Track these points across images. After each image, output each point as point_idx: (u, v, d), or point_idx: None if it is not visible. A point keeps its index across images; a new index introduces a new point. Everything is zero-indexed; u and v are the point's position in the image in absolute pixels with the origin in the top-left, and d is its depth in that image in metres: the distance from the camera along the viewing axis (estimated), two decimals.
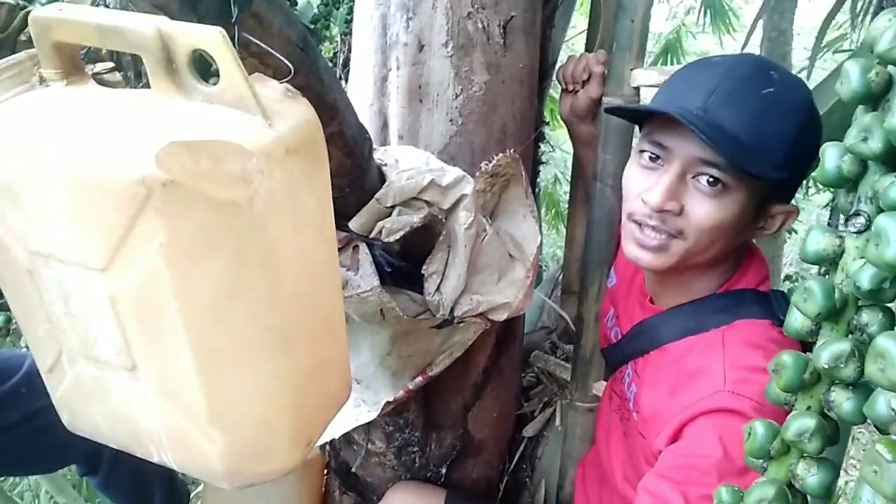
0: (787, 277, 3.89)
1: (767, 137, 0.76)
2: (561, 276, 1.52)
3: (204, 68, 0.47)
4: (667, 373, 0.86)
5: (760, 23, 2.82)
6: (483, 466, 1.15)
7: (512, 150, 0.85)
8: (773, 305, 0.83)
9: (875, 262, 0.37)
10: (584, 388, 1.14)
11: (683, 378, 0.81)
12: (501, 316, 0.87)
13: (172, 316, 0.45)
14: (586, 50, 1.17)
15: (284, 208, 0.45)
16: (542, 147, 1.18)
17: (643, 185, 0.82)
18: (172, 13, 0.46)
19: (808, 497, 0.46)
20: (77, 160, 0.42)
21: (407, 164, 0.78)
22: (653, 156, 0.82)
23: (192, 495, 1.39)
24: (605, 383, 1.12)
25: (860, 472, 0.35)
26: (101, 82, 0.54)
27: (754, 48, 2.98)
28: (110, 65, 0.55)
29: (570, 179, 1.31)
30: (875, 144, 0.39)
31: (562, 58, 1.18)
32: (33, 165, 0.43)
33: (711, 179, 0.77)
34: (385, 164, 0.78)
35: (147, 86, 0.45)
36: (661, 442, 0.78)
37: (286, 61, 0.49)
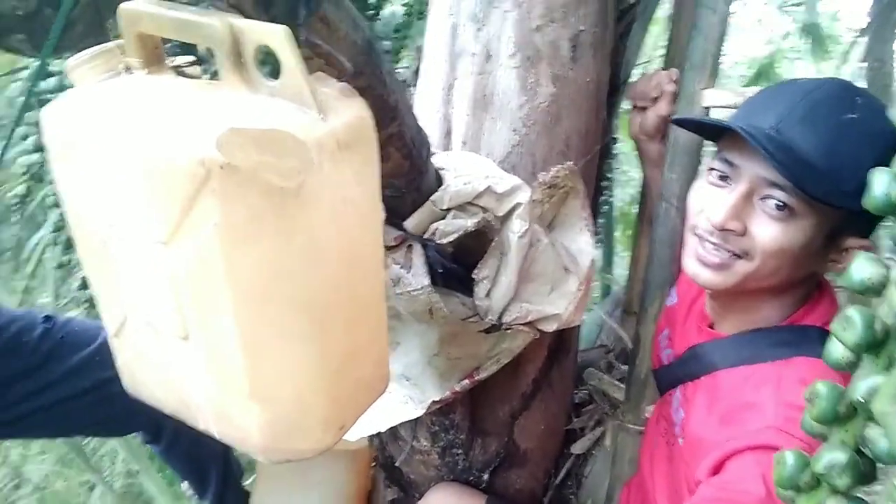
0: None
1: (840, 164, 0.73)
2: (623, 297, 1.50)
3: (276, 67, 0.51)
4: (717, 401, 0.83)
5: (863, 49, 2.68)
6: (527, 478, 1.14)
7: (572, 163, 0.85)
8: None
9: None
10: (636, 409, 1.12)
11: (734, 409, 0.79)
12: (551, 327, 0.87)
13: (222, 293, 0.48)
14: (664, 68, 1.15)
15: (332, 199, 0.48)
16: (616, 165, 1.17)
17: (708, 202, 0.81)
18: (247, 13, 0.50)
19: None
20: (148, 141, 0.46)
21: (465, 169, 0.80)
22: (722, 174, 0.80)
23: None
24: None
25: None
26: (182, 74, 0.59)
27: (854, 77, 2.84)
28: (191, 58, 0.59)
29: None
30: None
31: (636, 74, 1.17)
32: (111, 144, 0.47)
33: (779, 203, 0.75)
34: (444, 169, 0.80)
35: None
36: (702, 473, 0.76)
37: (347, 63, 0.51)
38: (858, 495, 0.44)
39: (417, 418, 1.05)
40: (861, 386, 0.41)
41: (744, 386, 0.81)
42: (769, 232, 0.76)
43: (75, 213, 0.55)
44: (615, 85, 1.09)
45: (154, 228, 0.48)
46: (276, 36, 0.45)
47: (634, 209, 1.22)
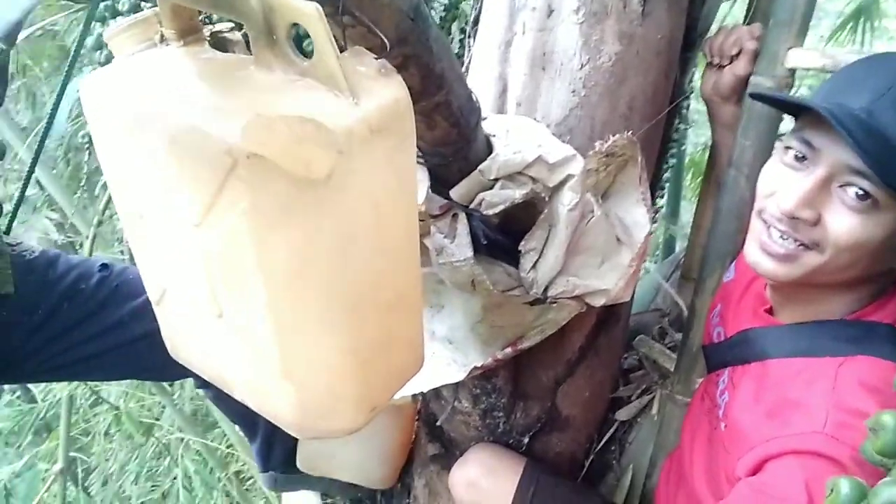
0: None
1: None
2: (683, 260, 1.44)
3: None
4: (764, 391, 0.79)
5: None
6: (568, 442, 1.14)
7: (630, 133, 0.79)
8: None
9: None
10: (686, 381, 1.09)
11: (782, 405, 0.75)
12: (598, 301, 0.85)
13: (253, 276, 0.47)
14: (744, 23, 1.05)
15: (363, 186, 0.46)
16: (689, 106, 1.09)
17: (781, 184, 0.74)
18: None
19: None
20: (178, 122, 0.44)
21: (517, 136, 0.76)
22: (798, 155, 0.74)
23: None
24: None
25: None
26: (222, 41, 0.57)
27: None
28: (231, 24, 0.57)
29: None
30: None
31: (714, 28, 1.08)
32: (144, 120, 0.46)
33: (861, 192, 0.68)
34: (494, 136, 0.76)
35: None
36: (742, 469, 0.73)
37: (391, 33, 0.48)
38: None
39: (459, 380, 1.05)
40: None
41: (795, 379, 0.76)
42: (846, 224, 0.70)
43: (115, 184, 0.55)
44: (691, 39, 1.01)
45: (187, 209, 0.48)
46: (308, 14, 0.42)
47: (706, 155, 1.14)
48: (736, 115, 0.99)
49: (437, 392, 1.11)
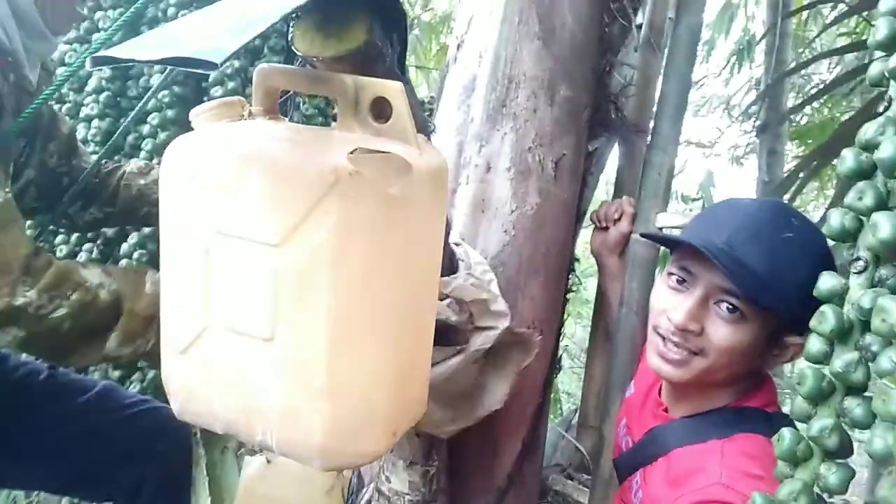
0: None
1: (783, 277, 0.85)
2: (575, 418, 1.60)
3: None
4: (670, 472, 0.93)
5: None
6: None
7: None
8: (776, 426, 0.91)
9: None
10: None
11: (683, 474, 0.89)
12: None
13: (323, 289, 0.57)
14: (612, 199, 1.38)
15: (420, 214, 0.59)
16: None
17: (670, 303, 0.93)
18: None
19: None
20: (281, 155, 0.57)
21: (478, 270, 0.93)
22: (679, 279, 0.93)
23: None
24: None
25: (872, 407, 0.45)
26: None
27: None
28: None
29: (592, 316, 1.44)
30: (868, 201, 0.54)
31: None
32: (245, 163, 0.58)
33: (730, 307, 0.88)
34: (462, 260, 0.92)
35: None
36: None
37: (427, 119, 0.66)
38: (844, 462, 0.55)
39: None
40: (838, 362, 0.53)
41: (692, 457, 0.91)
42: (722, 332, 0.88)
43: (180, 231, 0.63)
44: (579, 211, 1.29)
45: (268, 232, 0.58)
46: (393, 89, 0.59)
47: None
48: (620, 267, 1.24)
49: None
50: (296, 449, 0.62)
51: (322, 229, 0.56)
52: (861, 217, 0.56)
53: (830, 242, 0.66)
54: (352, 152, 0.55)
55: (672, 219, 1.16)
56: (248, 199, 0.58)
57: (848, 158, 0.57)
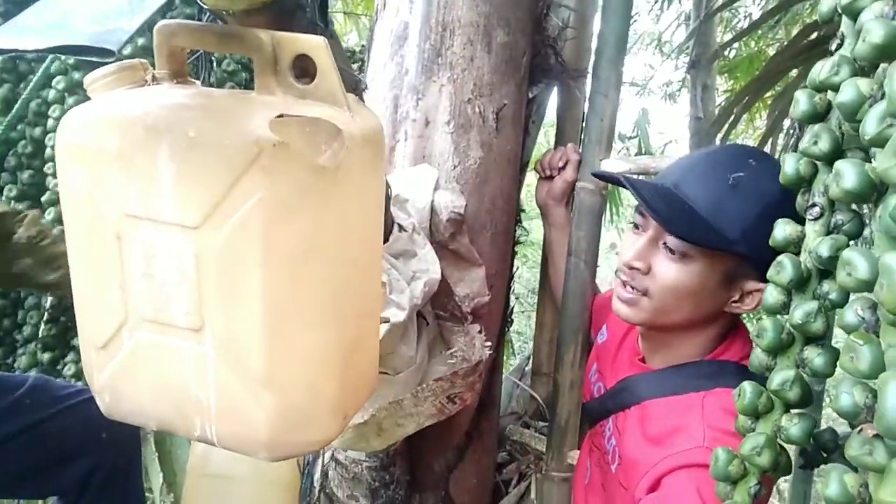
0: None
1: (725, 214, 0.85)
2: (529, 365, 1.60)
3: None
4: (647, 426, 0.92)
5: None
6: None
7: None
8: (750, 378, 0.91)
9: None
10: (559, 456, 1.19)
11: (664, 433, 0.88)
12: None
13: (253, 271, 0.51)
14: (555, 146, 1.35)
15: (357, 184, 0.54)
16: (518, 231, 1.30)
17: (628, 245, 0.93)
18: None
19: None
20: (193, 127, 0.50)
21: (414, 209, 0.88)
22: (636, 224, 0.93)
23: None
24: (579, 452, 1.18)
25: (839, 364, 0.44)
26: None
27: None
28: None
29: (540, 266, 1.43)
30: (824, 145, 0.52)
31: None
32: (152, 133, 0.51)
33: (669, 247, 0.88)
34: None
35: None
36: (641, 491, 0.84)
37: (357, 76, 0.60)
38: (804, 412, 0.54)
39: (354, 476, 1.05)
40: (798, 312, 0.52)
41: (671, 413, 0.90)
42: (665, 271, 0.89)
43: (85, 214, 0.56)
44: (522, 161, 1.25)
45: (186, 214, 0.52)
46: (316, 44, 0.53)
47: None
48: (566, 216, 1.22)
49: (329, 497, 1.08)
50: (239, 443, 0.57)
51: (246, 208, 0.50)
52: (816, 162, 0.54)
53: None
54: (274, 119, 0.49)
55: (617, 164, 1.13)
56: (159, 177, 0.51)
57: (801, 101, 0.54)
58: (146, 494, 1.45)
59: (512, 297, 1.29)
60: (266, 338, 0.53)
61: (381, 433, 0.85)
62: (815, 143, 0.53)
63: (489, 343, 0.91)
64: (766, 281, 0.88)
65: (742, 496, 0.55)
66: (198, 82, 0.59)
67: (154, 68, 0.58)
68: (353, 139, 0.53)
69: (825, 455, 0.61)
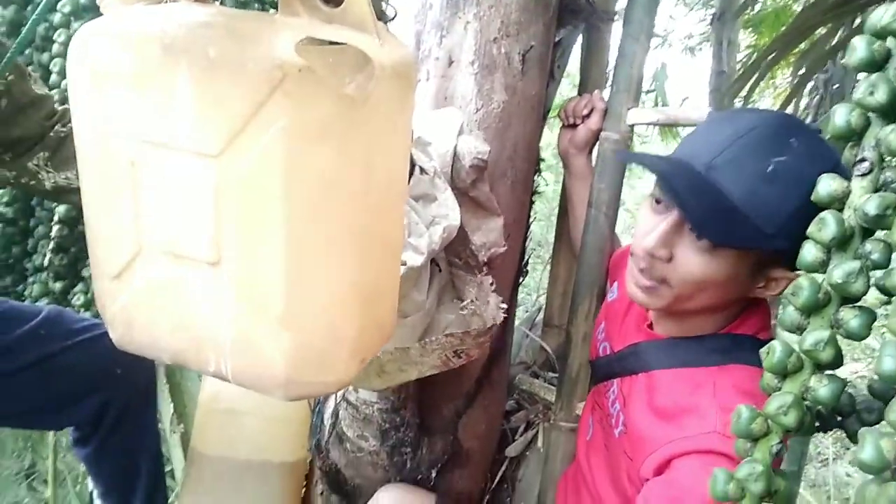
0: None
1: (762, 208, 0.75)
2: (540, 316, 1.60)
3: None
4: (654, 398, 0.88)
5: None
6: (468, 479, 1.16)
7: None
8: None
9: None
10: (568, 407, 1.18)
11: (674, 410, 0.83)
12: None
13: (275, 204, 0.50)
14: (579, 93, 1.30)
15: (385, 117, 0.52)
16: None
17: (647, 226, 0.84)
18: None
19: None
20: (214, 48, 0.47)
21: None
22: (659, 201, 0.84)
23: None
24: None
25: (888, 326, 0.42)
26: None
27: None
28: None
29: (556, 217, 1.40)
30: (881, 96, 0.49)
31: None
32: (170, 53, 0.48)
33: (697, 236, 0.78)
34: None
35: None
36: (648, 471, 0.81)
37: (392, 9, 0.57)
38: (834, 373, 0.53)
39: (365, 417, 1.05)
40: (838, 271, 0.50)
41: (679, 387, 0.85)
42: (690, 262, 0.80)
43: (98, 138, 0.54)
44: (545, 108, 1.21)
45: (206, 140, 0.49)
46: None
47: None
48: (587, 167, 1.19)
49: (339, 436, 1.09)
50: (255, 381, 0.56)
51: (268, 136, 0.48)
52: (869, 114, 0.51)
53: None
54: (300, 43, 0.46)
55: (645, 115, 1.09)
56: (177, 100, 0.49)
57: (859, 48, 0.51)
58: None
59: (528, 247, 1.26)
60: (286, 274, 0.51)
61: (383, 374, 0.84)
62: (872, 93, 0.50)
63: (504, 305, 0.89)
64: (794, 269, 0.80)
65: (762, 454, 0.54)
66: (215, 2, 0.55)
67: None
68: (382, 70, 0.50)
69: (840, 418, 0.60)
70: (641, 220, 0.86)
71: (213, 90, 0.48)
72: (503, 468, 1.25)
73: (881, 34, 0.50)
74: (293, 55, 0.46)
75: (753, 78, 2.47)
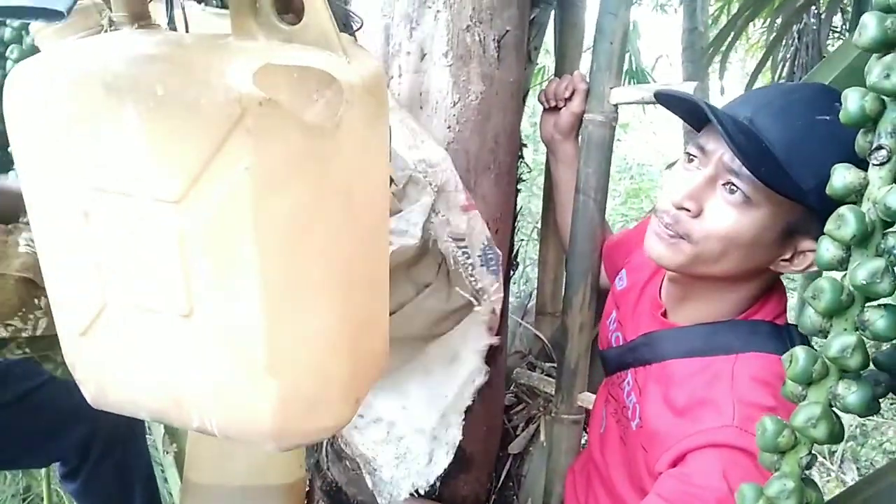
0: None
1: (804, 161, 0.74)
2: (531, 303, 1.56)
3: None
4: (670, 390, 0.85)
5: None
6: (472, 483, 1.13)
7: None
8: (786, 340, 0.82)
9: None
10: (569, 399, 1.16)
11: (690, 404, 0.81)
12: None
13: (246, 249, 0.45)
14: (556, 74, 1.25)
15: (359, 143, 0.47)
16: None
17: (678, 183, 0.82)
18: None
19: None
20: (161, 84, 0.42)
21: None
22: (691, 157, 0.82)
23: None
24: (589, 394, 1.15)
25: None
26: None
27: None
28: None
29: (542, 202, 1.36)
30: None
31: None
32: (113, 93, 0.43)
33: (733, 188, 0.77)
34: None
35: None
36: (663, 465, 0.79)
37: (348, 9, 0.51)
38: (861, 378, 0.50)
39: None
40: (861, 272, 0.46)
41: (695, 378, 0.82)
42: (721, 216, 0.78)
43: (46, 188, 0.49)
44: (524, 92, 1.16)
45: (163, 186, 0.44)
46: None
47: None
48: (574, 151, 1.14)
49: (338, 454, 1.05)
50: (243, 434, 0.52)
51: (232, 178, 0.43)
52: (884, 98, 0.47)
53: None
54: (258, 71, 0.41)
55: (629, 93, 1.05)
56: (127, 144, 0.44)
57: (870, 26, 0.47)
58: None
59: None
60: (265, 321, 0.47)
61: None
62: (888, 76, 0.46)
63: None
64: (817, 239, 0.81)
65: (791, 466, 0.51)
66: (163, 26, 0.50)
67: (111, 10, 0.49)
68: (352, 90, 0.45)
69: None
70: (673, 180, 0.84)
71: (165, 131, 0.43)
72: (507, 466, 1.23)
73: (892, 8, 0.46)
74: (251, 87, 0.41)
75: (731, 36, 2.43)
